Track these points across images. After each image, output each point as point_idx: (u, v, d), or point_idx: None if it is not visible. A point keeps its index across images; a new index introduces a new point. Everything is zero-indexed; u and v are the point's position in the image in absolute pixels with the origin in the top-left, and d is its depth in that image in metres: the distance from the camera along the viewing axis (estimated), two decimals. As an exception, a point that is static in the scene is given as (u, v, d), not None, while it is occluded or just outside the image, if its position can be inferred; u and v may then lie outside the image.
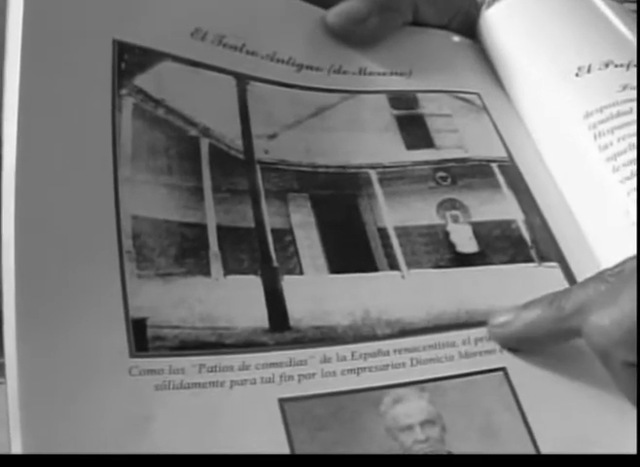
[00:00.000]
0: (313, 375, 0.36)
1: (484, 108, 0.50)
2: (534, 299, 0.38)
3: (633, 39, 0.49)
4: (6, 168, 0.36)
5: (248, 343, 0.36)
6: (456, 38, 0.55)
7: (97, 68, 0.41)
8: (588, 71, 0.47)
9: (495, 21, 0.54)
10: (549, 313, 0.37)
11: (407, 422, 0.36)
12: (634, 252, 0.37)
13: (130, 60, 0.42)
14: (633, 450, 0.35)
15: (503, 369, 0.38)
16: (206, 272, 0.38)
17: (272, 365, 0.36)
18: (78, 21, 0.41)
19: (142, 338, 0.35)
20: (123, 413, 0.33)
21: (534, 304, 0.38)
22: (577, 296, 0.36)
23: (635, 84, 0.45)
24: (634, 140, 0.43)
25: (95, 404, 0.33)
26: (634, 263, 0.34)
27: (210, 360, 0.35)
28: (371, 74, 0.50)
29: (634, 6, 0.56)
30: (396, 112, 0.48)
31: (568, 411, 0.37)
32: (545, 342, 0.38)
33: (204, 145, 0.42)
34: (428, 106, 0.49)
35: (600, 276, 0.36)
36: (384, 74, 0.50)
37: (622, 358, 0.31)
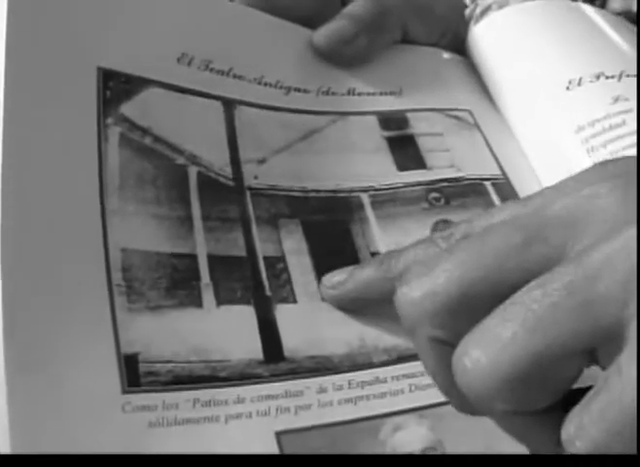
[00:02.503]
0: (310, 406, 0.35)
1: (476, 125, 0.49)
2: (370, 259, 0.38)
3: (625, 47, 0.48)
4: None
5: (243, 376, 0.36)
6: (446, 55, 0.54)
7: (82, 97, 0.40)
8: (579, 84, 0.46)
9: (484, 37, 0.53)
10: (378, 273, 0.36)
11: (407, 450, 0.35)
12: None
13: (116, 88, 0.41)
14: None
15: (503, 393, 0.37)
16: (198, 304, 0.37)
17: (268, 397, 0.35)
18: (61, 49, 0.41)
19: (134, 373, 0.34)
20: (116, 451, 0.32)
21: (367, 263, 0.38)
22: (405, 257, 0.35)
23: (628, 95, 0.45)
24: (627, 153, 0.42)
25: (88, 442, 0.32)
26: (466, 229, 0.32)
27: (204, 394, 0.35)
28: (360, 94, 0.49)
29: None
30: (386, 133, 0.48)
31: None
32: (379, 303, 0.37)
33: (192, 173, 0.41)
34: (418, 126, 0.48)
35: (431, 238, 0.34)
36: (374, 94, 0.50)
37: (429, 334, 0.28)
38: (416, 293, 0.27)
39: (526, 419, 0.26)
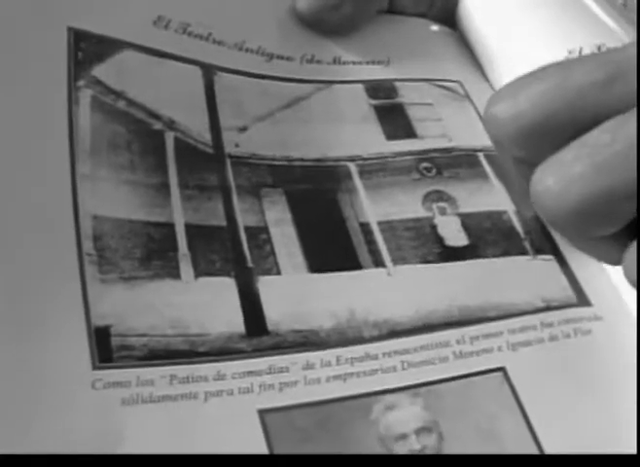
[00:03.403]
0: (295, 383, 0.33)
1: (467, 96, 0.47)
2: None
3: (625, 22, 0.46)
4: None
5: (223, 351, 0.33)
6: (435, 26, 0.52)
7: (51, 58, 0.38)
8: (580, 54, 0.44)
9: (475, 8, 0.51)
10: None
11: (400, 431, 0.33)
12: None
13: (88, 50, 0.39)
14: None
15: (502, 369, 0.35)
16: (175, 275, 0.35)
17: (250, 373, 0.33)
18: (29, 8, 0.38)
19: (106, 347, 0.32)
20: (86, 431, 0.30)
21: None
22: None
23: None
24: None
25: (56, 422, 0.30)
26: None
27: (182, 370, 0.32)
28: (345, 63, 0.47)
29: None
30: (374, 102, 0.45)
31: (574, 411, 0.35)
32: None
33: (169, 139, 0.39)
34: (408, 95, 0.46)
35: None
36: (360, 63, 0.47)
37: (512, 153, 0.30)
38: (502, 115, 0.29)
39: (593, 242, 0.29)
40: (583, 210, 0.27)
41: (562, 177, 0.27)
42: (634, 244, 0.27)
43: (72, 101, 0.37)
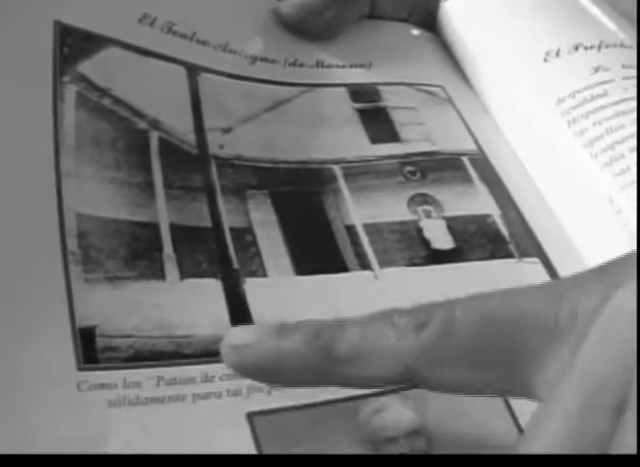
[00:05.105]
0: None
1: (450, 100, 0.47)
2: (291, 323, 0.29)
3: (602, 18, 0.47)
4: None
5: (210, 353, 0.33)
6: (416, 31, 0.52)
7: (37, 53, 0.38)
8: (557, 55, 0.45)
9: (456, 12, 0.51)
10: (311, 349, 0.28)
11: (390, 434, 0.32)
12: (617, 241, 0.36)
13: (74, 45, 0.39)
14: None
15: (492, 371, 0.35)
16: (161, 276, 0.34)
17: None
18: (15, 1, 0.38)
19: (91, 348, 0.31)
20: (72, 434, 0.29)
21: (292, 329, 0.28)
22: (351, 335, 0.28)
23: (608, 65, 0.43)
24: (611, 124, 0.41)
25: (40, 425, 0.29)
26: (426, 317, 0.27)
27: (169, 372, 0.32)
28: (329, 67, 0.47)
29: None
30: (357, 105, 0.45)
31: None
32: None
33: (154, 138, 0.39)
34: (391, 99, 0.46)
35: (387, 317, 0.28)
36: (343, 66, 0.47)
37: None
38: None
39: None
40: None
41: None
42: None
43: (57, 97, 0.37)
